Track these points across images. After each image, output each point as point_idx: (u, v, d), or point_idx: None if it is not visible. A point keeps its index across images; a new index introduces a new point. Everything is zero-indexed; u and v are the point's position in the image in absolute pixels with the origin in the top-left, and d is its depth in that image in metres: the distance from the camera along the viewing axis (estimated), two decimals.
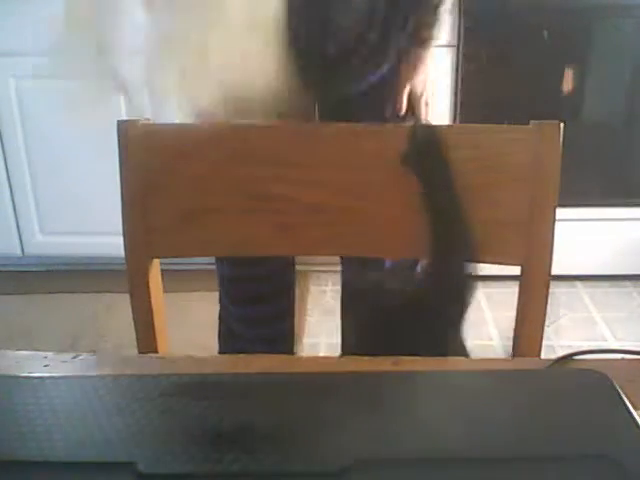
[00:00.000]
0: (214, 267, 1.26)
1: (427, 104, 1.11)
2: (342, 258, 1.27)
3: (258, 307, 1.28)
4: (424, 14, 1.00)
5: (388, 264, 1.16)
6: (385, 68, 1.03)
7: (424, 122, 1.11)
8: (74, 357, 0.66)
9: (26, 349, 0.68)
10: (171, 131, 0.90)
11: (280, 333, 1.34)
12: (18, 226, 2.24)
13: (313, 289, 2.20)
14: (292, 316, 1.35)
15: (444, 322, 0.84)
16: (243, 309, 1.29)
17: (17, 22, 1.99)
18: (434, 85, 1.11)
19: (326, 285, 2.20)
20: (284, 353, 1.28)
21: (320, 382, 0.56)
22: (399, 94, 1.08)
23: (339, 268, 1.39)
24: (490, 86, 2.00)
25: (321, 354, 1.83)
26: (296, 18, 0.79)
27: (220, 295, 1.30)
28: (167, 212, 0.90)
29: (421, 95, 1.10)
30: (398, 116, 1.09)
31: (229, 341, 1.33)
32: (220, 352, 1.33)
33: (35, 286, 2.28)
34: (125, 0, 0.78)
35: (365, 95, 1.02)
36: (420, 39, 1.03)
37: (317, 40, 0.84)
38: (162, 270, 0.92)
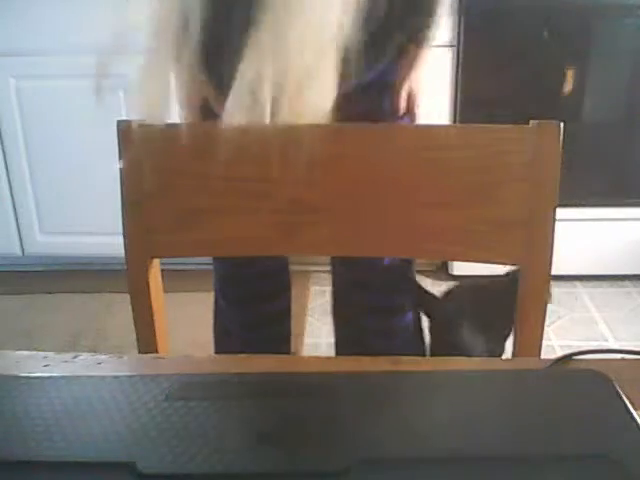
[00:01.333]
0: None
1: (418, 105, 1.11)
2: (332, 258, 1.27)
3: (254, 308, 1.28)
4: (422, 15, 1.00)
5: (386, 261, 1.17)
6: (383, 66, 1.03)
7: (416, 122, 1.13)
8: (74, 357, 0.65)
9: (26, 349, 0.68)
10: (171, 131, 0.90)
11: (277, 335, 1.34)
12: (18, 226, 2.24)
13: (313, 289, 2.20)
14: (289, 319, 1.35)
15: None
16: (238, 309, 1.28)
17: (17, 22, 1.99)
18: (422, 84, 1.12)
19: (326, 285, 2.20)
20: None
21: (320, 382, 0.56)
22: (398, 92, 1.08)
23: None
24: (490, 86, 2.00)
25: (321, 354, 1.83)
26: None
27: (216, 295, 1.30)
28: (167, 212, 0.90)
29: (416, 94, 1.10)
30: (396, 114, 1.09)
31: (225, 341, 1.33)
32: (216, 352, 1.33)
33: (35, 286, 2.28)
34: None
35: (363, 92, 1.02)
36: (418, 39, 1.03)
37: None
38: (162, 270, 0.92)
